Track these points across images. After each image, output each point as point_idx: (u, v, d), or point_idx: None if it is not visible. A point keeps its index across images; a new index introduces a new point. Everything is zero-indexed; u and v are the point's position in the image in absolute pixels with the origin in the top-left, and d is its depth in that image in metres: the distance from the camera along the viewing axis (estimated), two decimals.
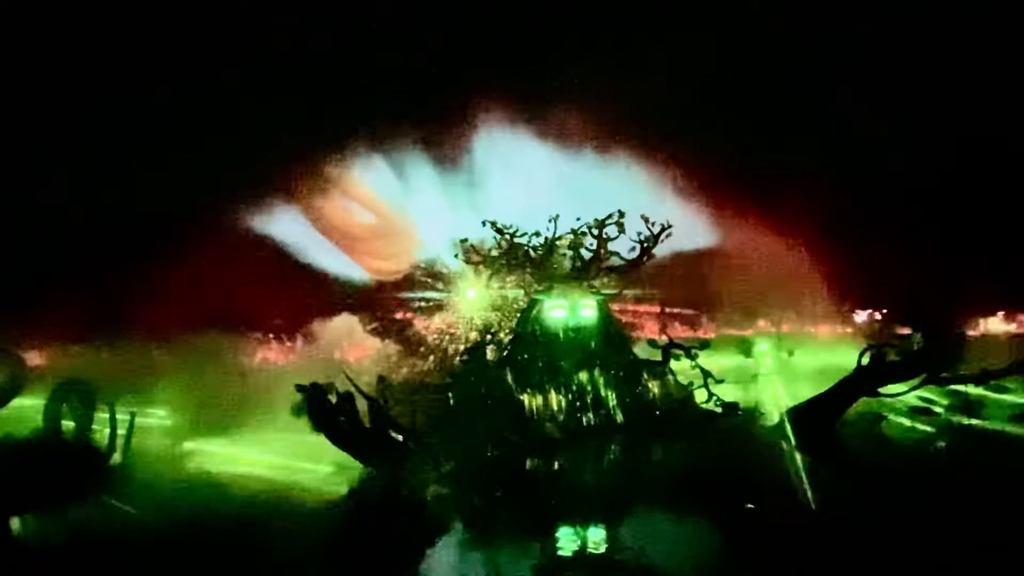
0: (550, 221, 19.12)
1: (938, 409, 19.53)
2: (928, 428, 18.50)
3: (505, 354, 18.95)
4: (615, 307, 20.10)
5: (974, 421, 18.72)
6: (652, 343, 19.60)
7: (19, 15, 25.59)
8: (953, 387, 18.74)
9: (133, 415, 14.83)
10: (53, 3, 26.47)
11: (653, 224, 19.14)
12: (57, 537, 11.56)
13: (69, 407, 14.36)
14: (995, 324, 33.83)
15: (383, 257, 27.08)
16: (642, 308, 24.99)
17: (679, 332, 24.76)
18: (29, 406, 15.09)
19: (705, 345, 19.97)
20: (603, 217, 19.10)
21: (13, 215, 25.41)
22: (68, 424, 14.26)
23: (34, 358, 16.14)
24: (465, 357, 19.11)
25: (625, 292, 20.06)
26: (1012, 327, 33.35)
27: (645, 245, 19.21)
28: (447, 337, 23.18)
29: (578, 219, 19.18)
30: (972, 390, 19.11)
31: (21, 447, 13.28)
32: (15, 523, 11.85)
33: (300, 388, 14.72)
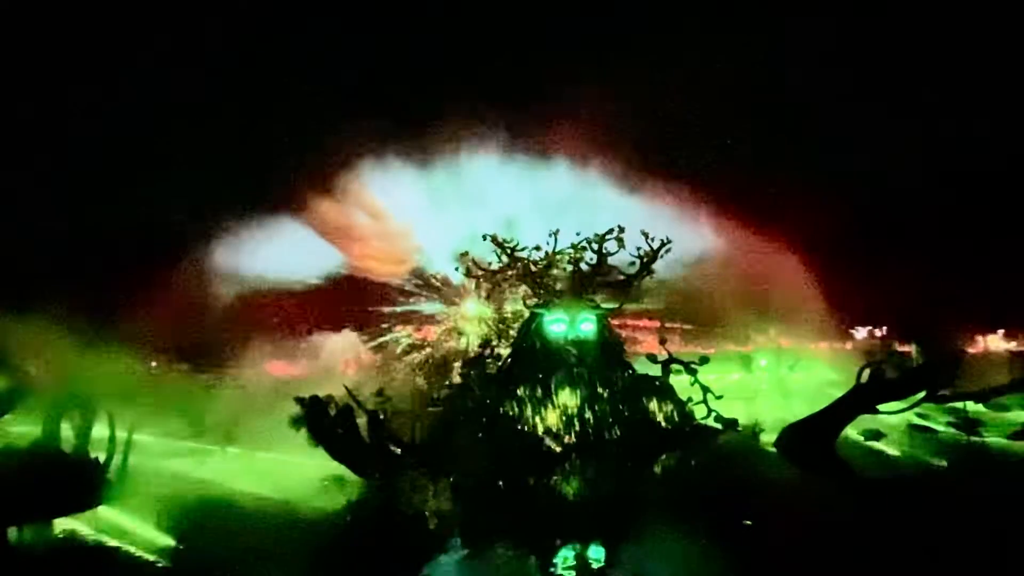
0: (550, 235, 19.21)
1: (937, 426, 19.52)
2: (927, 445, 18.46)
3: (504, 368, 18.94)
4: (615, 322, 20.10)
5: (973, 438, 18.69)
6: (652, 358, 19.61)
7: (19, 21, 25.82)
8: (952, 404, 18.76)
9: (131, 427, 14.81)
10: (53, 11, 26.73)
11: (653, 239, 19.22)
12: (54, 548, 11.53)
13: (68, 419, 14.36)
14: (994, 342, 33.83)
15: (382, 260, 27.14)
16: (642, 323, 25.01)
17: (679, 347, 24.77)
18: (28, 417, 15.10)
19: (705, 360, 19.96)
20: (603, 232, 19.18)
21: (14, 225, 25.51)
22: (67, 435, 14.25)
23: (33, 370, 16.10)
24: (464, 371, 19.09)
25: (625, 307, 20.07)
26: (1012, 345, 33.34)
27: (645, 260, 19.26)
28: (447, 351, 23.19)
29: (578, 234, 19.26)
30: (971, 407, 19.13)
31: (20, 458, 13.26)
32: (12, 533, 11.82)
33: (299, 401, 14.75)
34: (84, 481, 13.30)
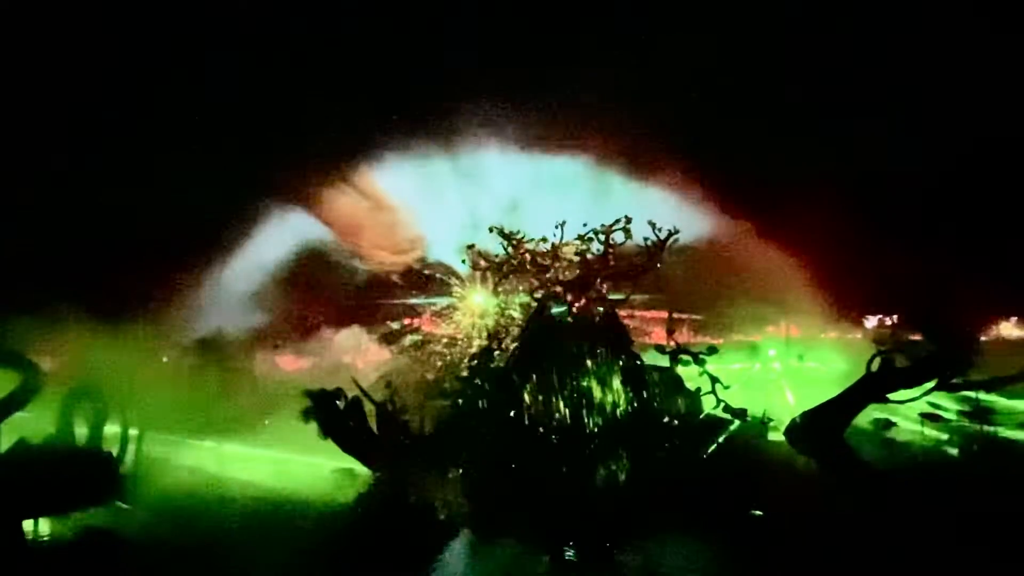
0: (557, 227, 19.13)
1: (948, 415, 19.39)
2: (938, 434, 18.36)
3: (512, 360, 18.93)
4: (622, 313, 20.03)
5: (985, 427, 18.57)
6: (660, 349, 19.53)
7: (23, 16, 25.87)
8: (964, 393, 18.61)
9: (143, 422, 14.94)
10: (57, 4, 26.74)
11: (660, 230, 19.10)
12: (68, 540, 11.69)
13: (81, 413, 14.49)
14: (1007, 329, 33.47)
15: (386, 248, 27.16)
16: (649, 314, 24.91)
17: (687, 337, 24.70)
18: (43, 411, 15.24)
19: (713, 350, 19.85)
20: (610, 223, 19.08)
21: (26, 221, 25.73)
22: (80, 429, 14.39)
23: (47, 364, 16.27)
24: (472, 363, 19.10)
25: (632, 297, 19.99)
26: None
27: (652, 250, 19.15)
28: (454, 343, 23.22)
29: (585, 224, 19.18)
30: (983, 396, 18.98)
31: (35, 452, 13.41)
32: (28, 525, 11.99)
33: (309, 394, 14.86)
34: (97, 475, 13.44)
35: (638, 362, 18.81)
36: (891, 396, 17.16)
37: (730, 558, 10.26)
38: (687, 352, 19.23)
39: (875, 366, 17.05)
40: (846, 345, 26.11)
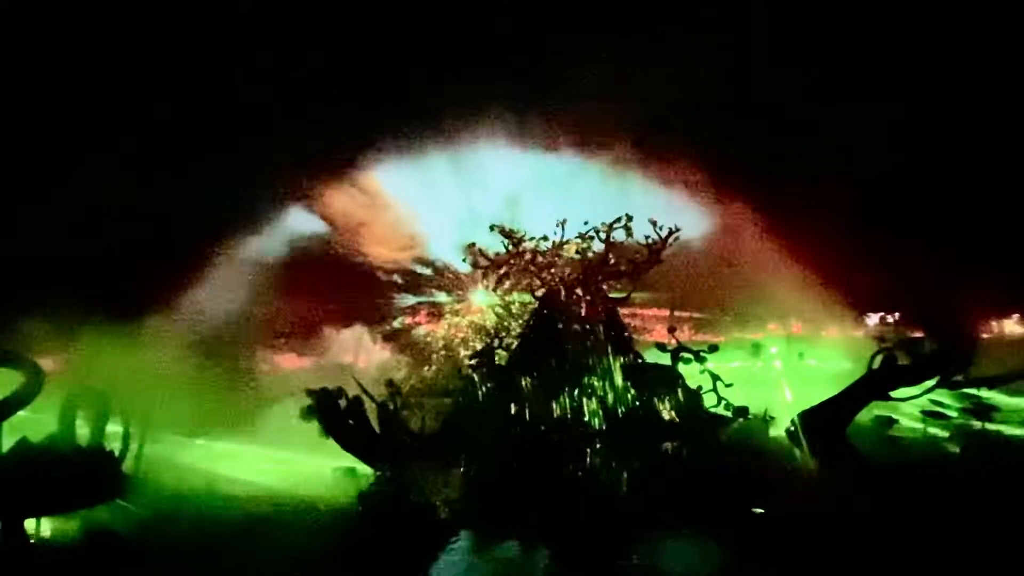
0: (557, 225, 19.15)
1: (951, 413, 19.35)
2: (940, 432, 18.33)
3: (513, 358, 18.95)
4: (623, 311, 20.03)
5: (988, 425, 18.54)
6: (661, 347, 19.54)
7: (25, 16, 25.87)
8: (966, 391, 18.58)
9: (145, 421, 14.96)
10: (58, 4, 26.73)
11: (661, 228, 19.11)
12: (70, 539, 11.71)
13: (83, 412, 14.50)
14: (1010, 326, 33.36)
15: (386, 246, 27.11)
16: (650, 312, 24.91)
17: (688, 336, 24.69)
18: (44, 411, 15.26)
19: (714, 348, 19.87)
20: (611, 221, 19.10)
21: (27, 220, 25.78)
22: (82, 429, 14.40)
23: (49, 363, 16.29)
24: (473, 361, 19.12)
25: (633, 296, 19.99)
26: None
27: (653, 249, 19.16)
28: (455, 341, 23.25)
29: (586, 223, 19.19)
30: (985, 394, 18.95)
31: (36, 451, 13.43)
32: (30, 524, 12.02)
33: (311, 393, 14.87)
34: (99, 474, 13.47)
35: (639, 360, 18.83)
36: (893, 393, 17.13)
37: (731, 557, 10.25)
38: (688, 350, 19.24)
39: (877, 363, 17.02)
40: (848, 343, 26.06)
